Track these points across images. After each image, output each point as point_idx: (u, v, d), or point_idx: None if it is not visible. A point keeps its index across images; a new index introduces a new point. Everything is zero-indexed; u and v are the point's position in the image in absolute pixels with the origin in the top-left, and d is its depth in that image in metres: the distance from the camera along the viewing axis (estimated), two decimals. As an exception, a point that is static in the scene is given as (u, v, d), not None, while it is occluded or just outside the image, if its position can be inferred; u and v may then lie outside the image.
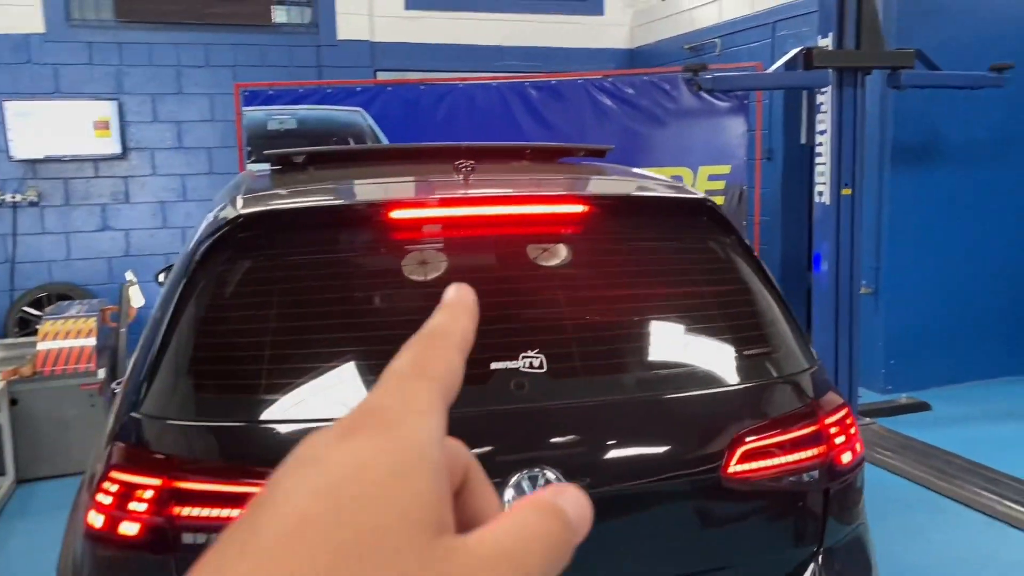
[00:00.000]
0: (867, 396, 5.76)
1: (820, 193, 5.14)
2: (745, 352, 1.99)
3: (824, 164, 5.11)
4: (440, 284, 1.89)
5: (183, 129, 7.81)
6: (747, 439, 1.87)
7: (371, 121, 6.80)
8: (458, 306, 0.46)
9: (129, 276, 5.63)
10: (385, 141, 6.69)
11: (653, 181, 2.34)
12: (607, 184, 2.32)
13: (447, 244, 1.98)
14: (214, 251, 1.91)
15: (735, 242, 2.13)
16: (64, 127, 7.29)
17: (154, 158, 7.75)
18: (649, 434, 1.87)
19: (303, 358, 1.81)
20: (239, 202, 2.05)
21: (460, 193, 2.08)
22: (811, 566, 1.93)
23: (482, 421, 1.78)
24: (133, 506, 1.69)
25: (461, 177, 2.22)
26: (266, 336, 1.82)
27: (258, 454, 1.72)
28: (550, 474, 1.72)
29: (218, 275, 1.90)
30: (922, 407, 5.61)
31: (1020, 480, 4.30)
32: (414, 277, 1.93)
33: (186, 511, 1.67)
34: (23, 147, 7.22)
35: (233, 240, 1.93)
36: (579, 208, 2.05)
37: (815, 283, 5.50)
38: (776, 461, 1.89)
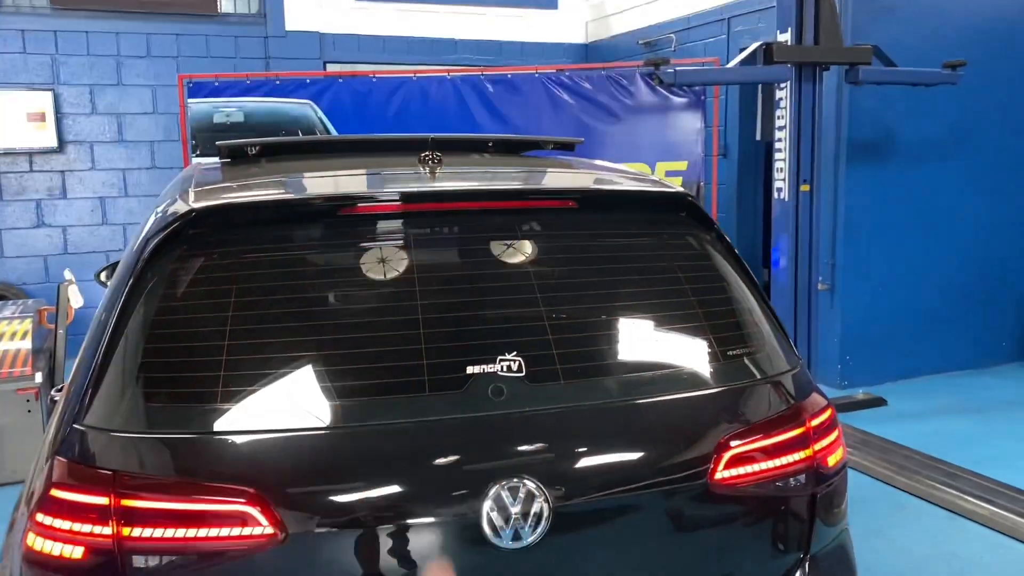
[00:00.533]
0: (823, 392, 5.76)
1: (779, 189, 5.13)
2: (728, 352, 1.91)
3: (783, 160, 5.09)
4: (408, 283, 1.77)
5: (124, 122, 7.52)
6: (732, 443, 1.79)
7: (321, 114, 6.61)
8: None
9: (67, 275, 5.37)
10: (334, 133, 6.52)
11: (629, 175, 2.25)
12: (582, 178, 2.23)
13: (415, 241, 1.86)
14: (164, 248, 1.77)
15: (715, 238, 2.05)
16: (-5, 119, 6.95)
17: (93, 152, 7.45)
18: (633, 440, 1.77)
19: (260, 363, 1.68)
20: (190, 196, 1.91)
21: (428, 187, 1.96)
22: (797, 572, 1.86)
23: (459, 429, 1.67)
24: (77, 527, 1.54)
25: (427, 170, 2.10)
26: (221, 340, 1.68)
27: (213, 468, 1.58)
28: (530, 484, 1.62)
29: (168, 274, 1.75)
30: (878, 402, 5.64)
31: (979, 475, 4.33)
32: (379, 276, 1.81)
33: (135, 531, 1.53)
34: (-49, 140, 6.87)
35: (184, 236, 1.78)
36: (554, 203, 1.95)
37: (773, 279, 5.49)
38: (763, 466, 1.82)
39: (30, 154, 7.21)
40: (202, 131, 6.52)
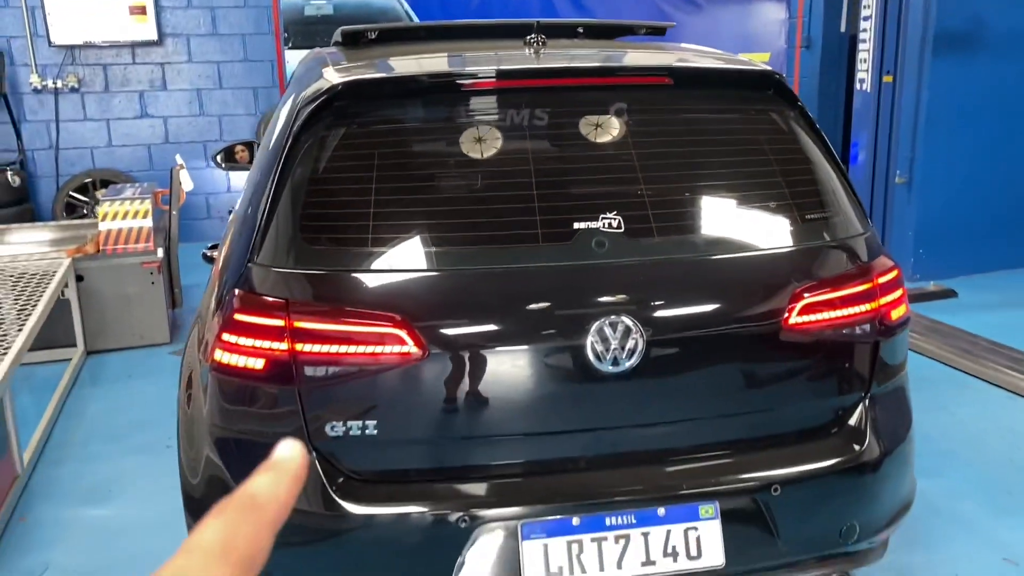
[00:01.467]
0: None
1: (861, 80, 5.18)
2: (807, 216, 2.14)
3: (867, 50, 5.12)
4: (523, 150, 2.04)
5: (217, 15, 7.80)
6: (805, 294, 2.05)
7: (407, 6, 6.79)
8: (284, 472, 0.44)
9: (178, 160, 5.78)
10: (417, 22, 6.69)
11: (721, 56, 2.44)
12: (678, 57, 2.43)
13: (529, 113, 2.11)
14: (313, 118, 2.05)
15: (799, 115, 2.25)
16: (101, 11, 7.31)
17: (190, 44, 7.78)
18: (716, 288, 2.04)
19: (402, 214, 1.98)
20: (332, 73, 2.18)
21: (542, 64, 2.20)
22: (859, 408, 2.13)
23: (568, 273, 1.96)
24: (258, 344, 1.89)
25: (532, 51, 2.34)
26: (367, 194, 1.99)
27: (367, 298, 1.91)
28: (626, 320, 1.91)
29: (319, 139, 2.05)
30: (949, 294, 5.77)
31: (1042, 360, 4.50)
32: (497, 144, 2.08)
33: (306, 347, 1.87)
34: (62, 32, 7.27)
35: (330, 108, 2.06)
36: (653, 80, 2.17)
37: (851, 173, 5.58)
38: (832, 315, 2.07)
39: (132, 46, 7.59)
40: (294, 23, 6.79)
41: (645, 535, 1.96)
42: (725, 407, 2.06)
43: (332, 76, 2.15)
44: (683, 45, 2.76)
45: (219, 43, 7.85)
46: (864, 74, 5.11)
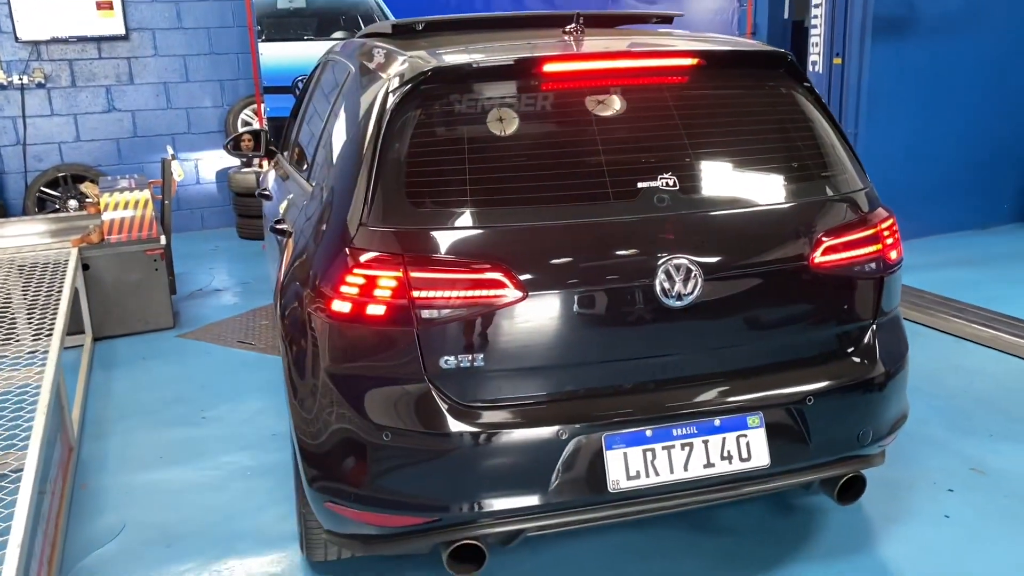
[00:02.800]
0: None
1: (814, 63, 5.67)
2: (821, 174, 2.56)
3: (818, 35, 5.61)
4: (589, 124, 2.39)
5: (182, 9, 7.90)
6: (825, 239, 2.46)
7: (381, 2, 7.03)
8: None
9: (169, 151, 5.94)
10: (392, 19, 6.96)
11: (739, 41, 2.84)
12: (708, 41, 2.80)
13: (591, 91, 2.46)
14: (408, 98, 2.36)
15: (807, 90, 2.66)
16: (68, 6, 7.35)
17: (156, 38, 7.86)
18: (755, 234, 2.43)
19: (489, 178, 2.31)
20: (415, 60, 2.48)
21: (602, 46, 2.55)
22: (869, 331, 2.56)
23: (635, 224, 2.32)
24: (380, 294, 2.21)
25: (571, 38, 2.69)
26: (460, 162, 2.31)
27: (467, 250, 2.23)
28: (685, 261, 2.28)
29: (411, 117, 2.36)
30: (893, 257, 6.33)
31: (982, 308, 5.06)
32: (569, 115, 2.43)
33: (422, 294, 2.19)
34: (29, 28, 7.29)
35: (418, 90, 2.37)
36: (693, 61, 2.55)
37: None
38: (846, 255, 2.49)
39: (99, 41, 7.63)
40: (267, 16, 6.96)
41: (705, 442, 2.35)
42: (765, 333, 2.46)
43: (418, 62, 2.46)
44: (696, 33, 3.14)
45: (185, 37, 7.95)
46: (816, 56, 5.60)
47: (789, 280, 2.45)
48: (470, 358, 2.23)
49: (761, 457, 2.38)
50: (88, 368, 4.74)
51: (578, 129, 2.42)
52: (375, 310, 2.22)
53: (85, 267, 5.10)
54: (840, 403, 2.49)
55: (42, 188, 7.60)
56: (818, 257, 2.45)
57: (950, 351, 4.66)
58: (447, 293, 2.20)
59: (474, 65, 2.45)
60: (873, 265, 2.55)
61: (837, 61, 5.56)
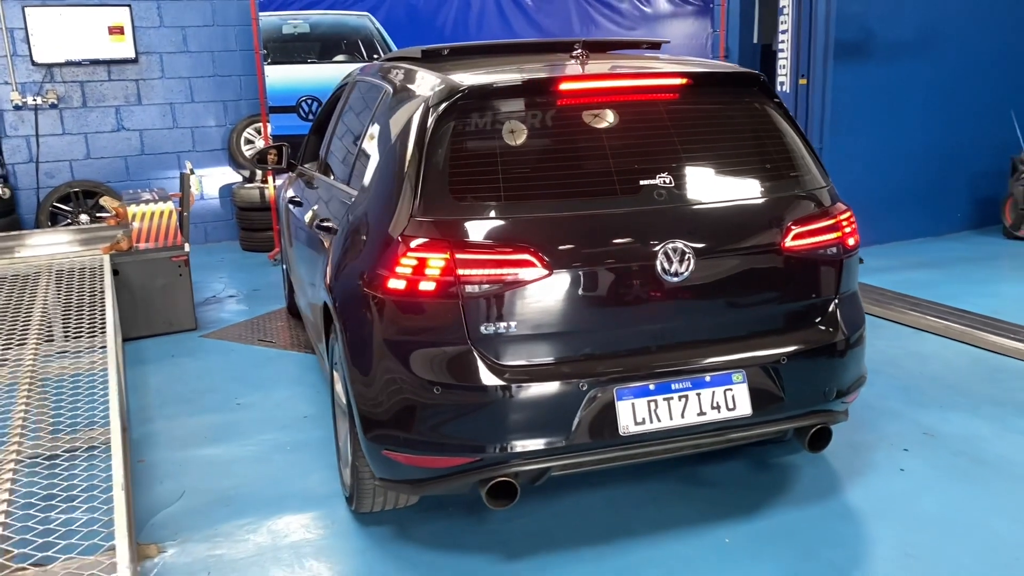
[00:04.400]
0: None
1: (782, 83, 6.23)
2: (790, 174, 3.07)
3: (785, 57, 6.18)
4: (597, 133, 2.88)
5: (188, 34, 8.35)
6: (793, 226, 2.97)
7: (379, 25, 7.52)
8: None
9: (188, 165, 6.37)
10: (393, 46, 7.45)
11: (719, 64, 3.36)
12: (695, 65, 3.32)
13: (600, 106, 2.95)
14: (448, 111, 2.84)
15: (777, 105, 3.18)
16: (82, 32, 7.77)
17: (163, 61, 8.30)
18: (737, 223, 2.93)
19: (518, 177, 2.79)
20: (451, 80, 2.96)
21: (606, 68, 3.05)
22: (832, 304, 3.07)
23: (638, 215, 2.81)
24: (430, 272, 2.67)
25: (577, 62, 3.20)
26: (493, 164, 2.79)
27: (503, 235, 2.70)
28: (680, 244, 2.78)
29: (451, 127, 2.84)
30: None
31: (936, 303, 5.62)
32: (582, 125, 2.92)
33: (465, 272, 2.66)
34: (44, 51, 7.70)
35: (456, 105, 2.86)
36: (683, 80, 3.05)
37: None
38: (812, 240, 3.00)
39: (108, 64, 8.06)
40: (272, 41, 7.40)
41: (698, 395, 2.84)
42: (745, 306, 2.96)
43: (455, 81, 2.94)
44: (680, 57, 3.66)
45: (190, 60, 8.39)
46: (783, 77, 6.17)
47: (765, 261, 2.96)
48: (505, 325, 2.71)
49: (744, 407, 2.87)
50: (122, 365, 5.13)
51: (589, 136, 2.92)
52: (426, 286, 2.69)
53: (115, 272, 5.49)
54: (809, 363, 2.99)
55: (55, 203, 7.98)
56: (788, 242, 2.95)
57: (907, 340, 5.20)
58: (486, 272, 2.68)
59: (503, 84, 2.94)
60: (834, 250, 3.06)
61: (803, 81, 6.12)
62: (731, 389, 2.86)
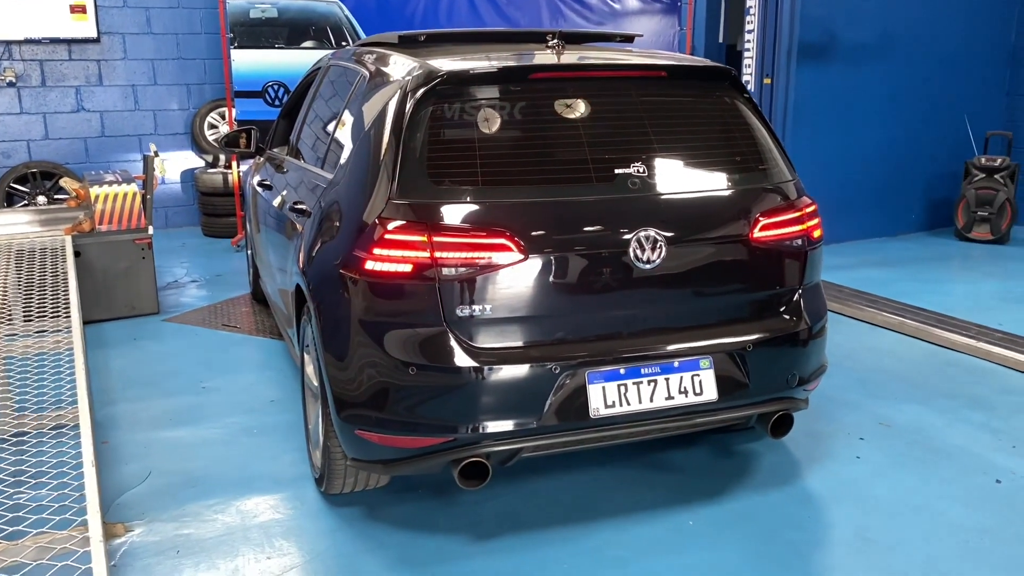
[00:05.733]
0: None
1: (747, 82, 6.34)
2: (759, 167, 3.15)
3: (751, 57, 6.29)
4: (573, 121, 2.93)
5: (152, 15, 8.22)
6: (761, 218, 3.05)
7: (348, 13, 7.50)
8: None
9: (152, 148, 6.28)
10: (363, 34, 7.43)
11: (691, 58, 3.43)
12: (667, 58, 3.38)
13: (575, 94, 3.00)
14: (424, 96, 2.87)
15: (747, 99, 3.26)
16: (41, 8, 7.62)
17: (125, 42, 8.16)
18: (707, 213, 3.01)
19: (496, 162, 2.83)
20: (430, 65, 2.99)
21: (583, 58, 3.10)
22: (797, 294, 3.16)
23: (613, 203, 2.87)
24: (407, 254, 2.70)
25: (553, 52, 3.24)
26: (470, 148, 2.83)
27: (479, 219, 2.74)
28: (652, 232, 2.84)
29: (429, 112, 2.86)
30: (814, 258, 7.06)
31: (892, 300, 5.78)
32: (558, 112, 2.96)
33: (442, 255, 2.70)
34: (2, 28, 7.53)
35: (434, 89, 2.88)
36: (658, 72, 3.12)
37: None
38: (778, 232, 3.08)
39: (69, 43, 7.91)
40: (239, 25, 7.34)
41: (667, 379, 2.90)
42: (714, 294, 3.04)
43: (433, 67, 2.96)
44: (651, 50, 3.72)
45: (154, 42, 8.27)
46: (749, 77, 6.28)
47: (733, 251, 3.03)
48: (480, 308, 2.74)
49: (711, 392, 2.94)
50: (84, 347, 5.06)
51: (565, 124, 2.96)
52: (403, 268, 2.71)
53: (76, 254, 5.41)
54: (773, 351, 3.08)
55: (11, 184, 7.81)
56: (756, 233, 3.04)
57: (865, 335, 5.34)
58: (462, 254, 2.71)
59: (481, 70, 2.97)
60: (799, 241, 3.15)
61: (767, 81, 6.25)
62: (698, 375, 2.94)
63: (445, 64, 3.00)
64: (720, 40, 7.98)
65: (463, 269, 2.72)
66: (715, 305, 3.05)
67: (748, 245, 3.03)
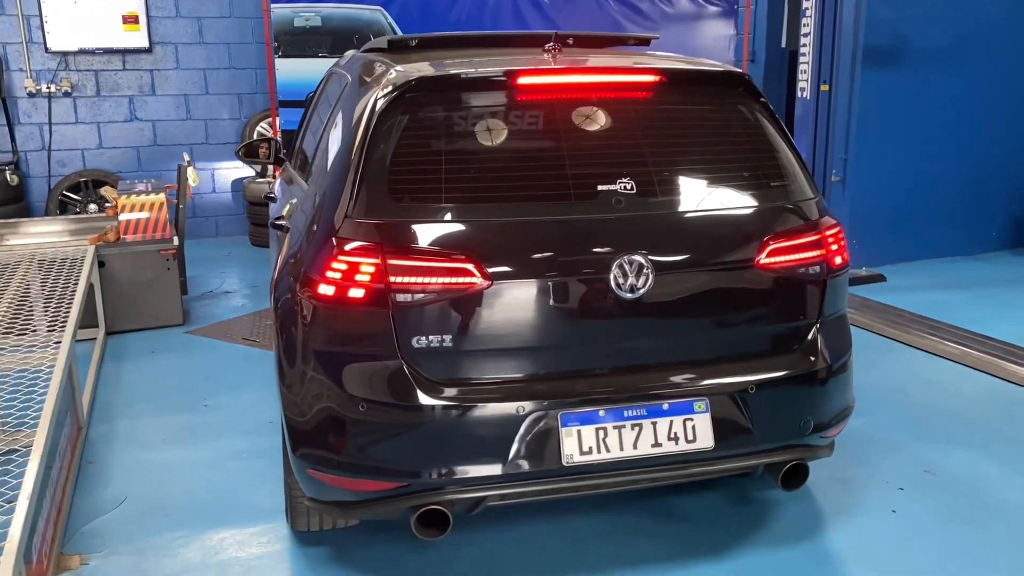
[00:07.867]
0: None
1: (802, 89, 5.91)
2: (771, 183, 2.79)
3: (807, 63, 5.85)
4: (556, 131, 2.63)
5: (204, 25, 8.25)
6: (771, 242, 2.69)
7: (391, 20, 7.34)
8: None
9: (186, 157, 6.24)
10: (404, 38, 7.25)
11: (704, 62, 3.08)
12: (675, 62, 3.05)
13: (560, 101, 2.70)
14: (390, 105, 2.62)
15: (763, 106, 2.90)
16: (96, 20, 7.72)
17: (178, 52, 8.21)
18: (706, 236, 2.66)
19: (463, 177, 2.56)
20: (401, 71, 2.74)
21: (571, 63, 2.80)
22: (812, 329, 2.78)
23: (594, 224, 2.56)
24: (359, 277, 2.45)
25: (550, 56, 2.95)
26: (437, 163, 2.56)
27: (440, 241, 2.47)
28: (639, 258, 2.52)
29: (395, 122, 2.61)
30: (878, 279, 6.55)
31: (956, 327, 5.26)
32: (540, 122, 2.67)
33: (397, 279, 2.44)
34: (58, 39, 7.65)
35: (403, 98, 2.63)
36: (655, 78, 2.79)
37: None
38: (791, 257, 2.71)
39: (124, 53, 7.99)
40: (284, 34, 7.27)
41: (654, 424, 2.57)
42: (712, 327, 2.69)
43: (404, 73, 2.72)
44: (667, 53, 3.40)
45: (206, 51, 8.30)
46: (804, 83, 5.84)
47: (736, 279, 2.68)
48: (439, 339, 2.47)
49: (706, 440, 2.59)
50: (100, 359, 5.00)
51: (545, 136, 2.67)
52: (355, 293, 2.46)
53: (101, 264, 5.38)
54: (783, 393, 2.71)
55: (64, 192, 7.93)
56: (763, 259, 2.67)
57: (920, 366, 4.85)
58: (420, 279, 2.45)
59: (455, 76, 2.71)
60: (817, 268, 2.77)
61: (824, 88, 5.80)
62: (691, 419, 2.60)
63: (418, 70, 2.75)
64: (783, 45, 7.52)
65: (420, 296, 2.46)
66: (713, 340, 2.70)
67: (753, 272, 2.67)
